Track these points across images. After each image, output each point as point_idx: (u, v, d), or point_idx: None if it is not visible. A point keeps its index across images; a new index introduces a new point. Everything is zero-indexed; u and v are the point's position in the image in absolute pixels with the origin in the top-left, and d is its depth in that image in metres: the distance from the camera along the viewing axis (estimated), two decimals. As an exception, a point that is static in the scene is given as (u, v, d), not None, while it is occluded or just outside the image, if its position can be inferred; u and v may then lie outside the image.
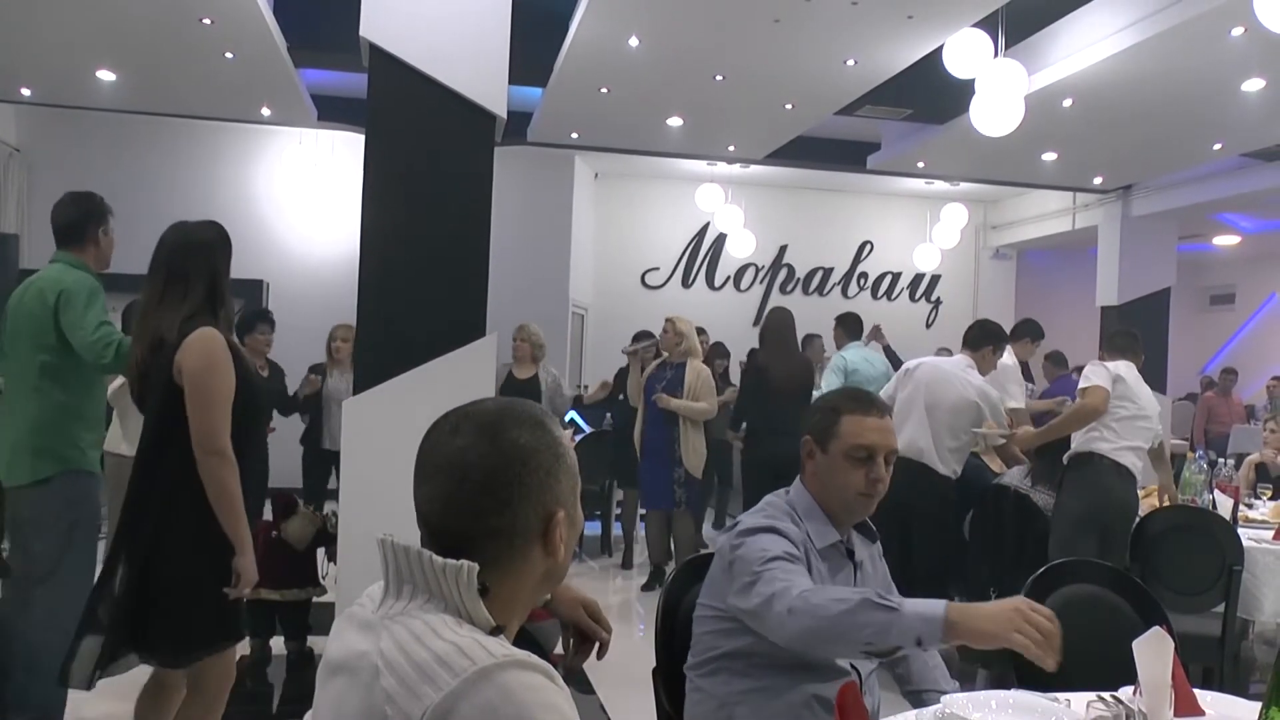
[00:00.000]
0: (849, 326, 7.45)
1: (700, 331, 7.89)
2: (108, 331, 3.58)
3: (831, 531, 2.27)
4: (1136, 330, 5.53)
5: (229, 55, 7.82)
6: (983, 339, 5.40)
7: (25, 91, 9.31)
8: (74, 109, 9.76)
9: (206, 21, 7.09)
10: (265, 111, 9.64)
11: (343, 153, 10.54)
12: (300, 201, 10.94)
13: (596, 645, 1.90)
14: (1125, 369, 4.86)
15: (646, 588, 7.04)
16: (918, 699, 2.33)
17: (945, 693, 2.21)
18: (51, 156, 10.33)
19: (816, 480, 2.31)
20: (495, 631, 1.24)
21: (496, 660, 1.16)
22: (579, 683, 4.72)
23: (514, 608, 1.34)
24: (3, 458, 3.66)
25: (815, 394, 6.49)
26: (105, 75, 8.55)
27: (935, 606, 1.84)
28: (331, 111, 9.87)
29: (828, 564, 2.25)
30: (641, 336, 7.29)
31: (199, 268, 3.18)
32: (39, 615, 3.52)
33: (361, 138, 4.95)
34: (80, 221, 3.82)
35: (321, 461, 7.11)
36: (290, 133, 10.69)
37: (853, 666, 2.24)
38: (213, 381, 2.97)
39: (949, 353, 6.81)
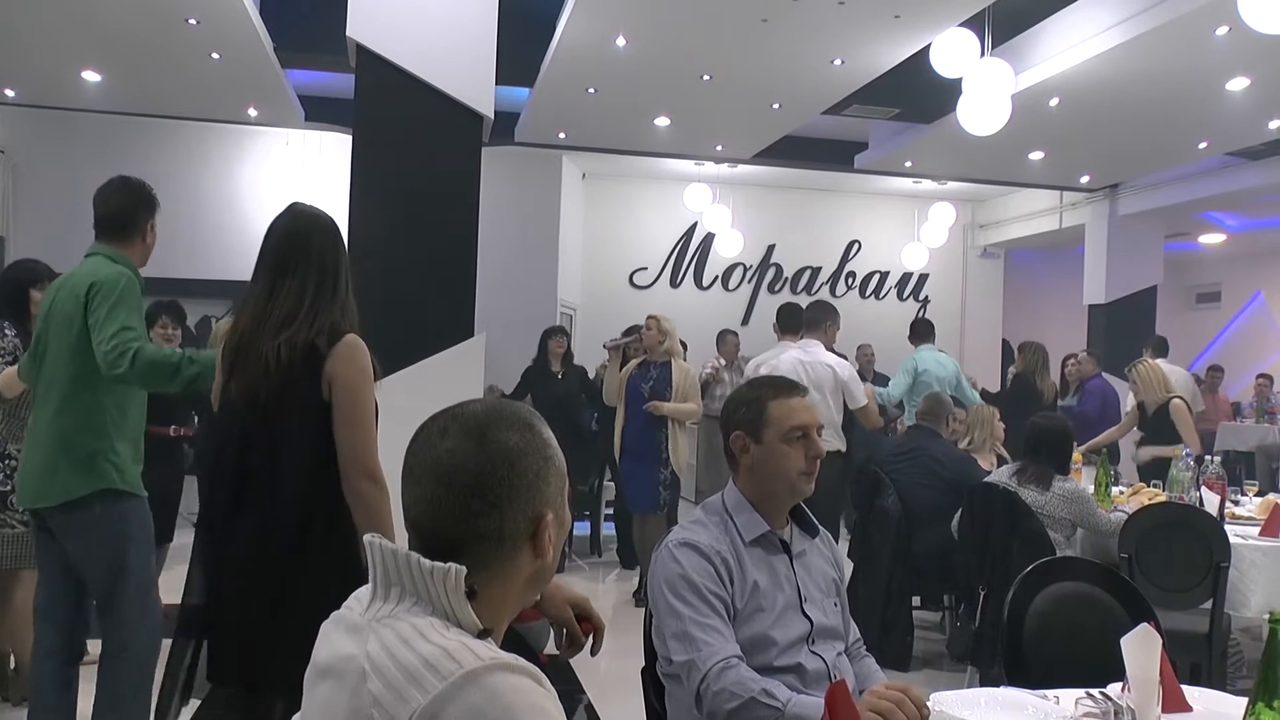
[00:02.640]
0: (921, 331, 7.80)
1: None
2: (128, 338, 3.15)
3: (761, 522, 2.32)
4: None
5: (215, 56, 7.80)
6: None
7: (9, 92, 9.27)
8: (59, 110, 9.72)
9: (192, 22, 7.07)
10: (252, 112, 9.62)
11: (330, 153, 10.51)
12: (287, 202, 10.90)
13: (590, 640, 1.93)
14: None
15: (640, 601, 6.65)
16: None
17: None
18: (36, 158, 10.28)
19: (752, 474, 2.35)
20: (483, 634, 1.24)
21: (483, 663, 1.15)
22: (567, 683, 4.72)
23: (502, 610, 1.33)
24: (33, 477, 3.30)
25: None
26: (90, 76, 8.51)
27: (814, 709, 1.97)
28: (319, 112, 9.85)
29: (761, 552, 2.31)
30: (632, 331, 7.29)
31: (344, 262, 2.79)
32: (110, 650, 3.31)
33: (349, 138, 4.95)
34: (130, 210, 3.40)
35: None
36: (277, 133, 10.66)
37: (822, 658, 2.27)
38: (369, 395, 2.62)
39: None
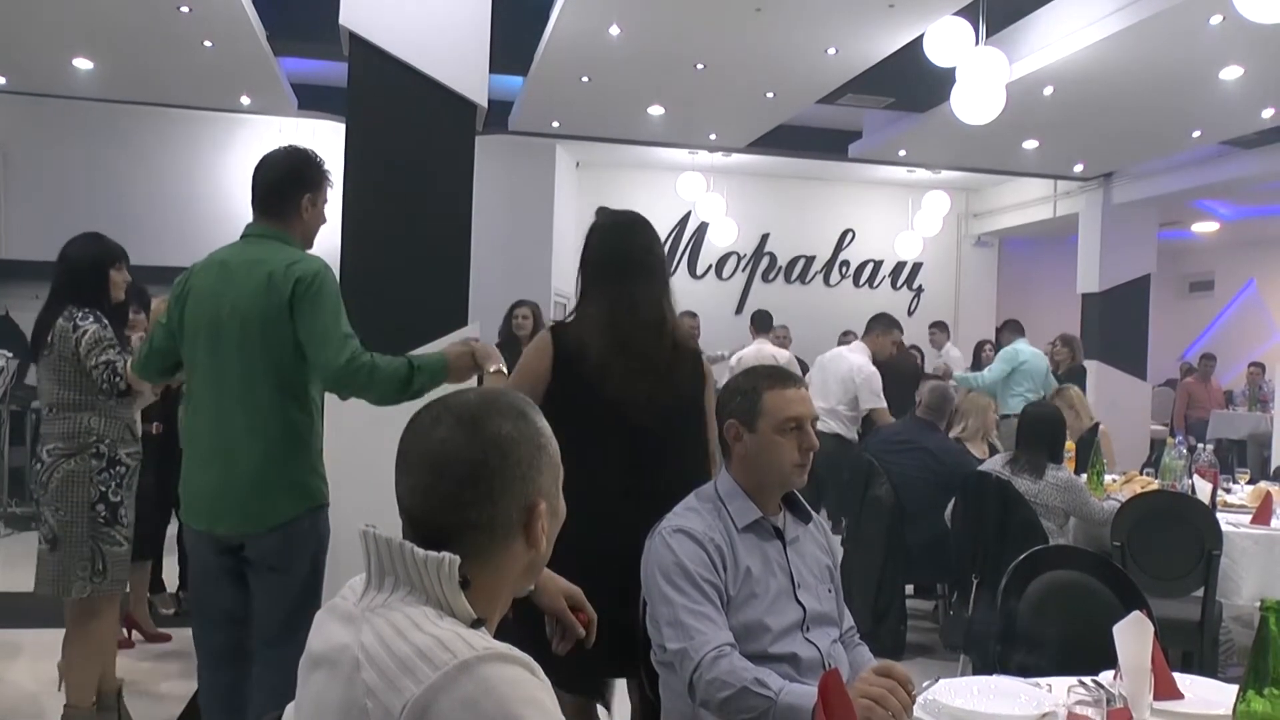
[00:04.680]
0: (1013, 327, 8.67)
1: (692, 315, 8.62)
2: (357, 349, 2.79)
3: (753, 509, 2.33)
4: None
5: (208, 44, 7.76)
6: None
7: (0, 80, 9.22)
8: (51, 97, 9.66)
9: (185, 9, 7.03)
10: (245, 100, 9.58)
11: (323, 141, 10.41)
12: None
13: (584, 632, 1.95)
14: None
15: None
16: None
17: None
18: (28, 146, 10.23)
19: (745, 463, 2.34)
20: (476, 624, 1.24)
21: (477, 653, 1.16)
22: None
23: (496, 600, 1.33)
24: (225, 500, 2.83)
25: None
26: (82, 64, 8.47)
27: (805, 700, 1.96)
28: (312, 100, 9.81)
29: (754, 538, 2.32)
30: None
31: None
32: (264, 685, 2.83)
33: (342, 127, 4.93)
34: (280, 183, 2.97)
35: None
36: (270, 121, 10.61)
37: (816, 646, 2.27)
38: None
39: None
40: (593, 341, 2.68)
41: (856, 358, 6.86)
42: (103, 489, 3.65)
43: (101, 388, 3.60)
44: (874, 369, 6.87)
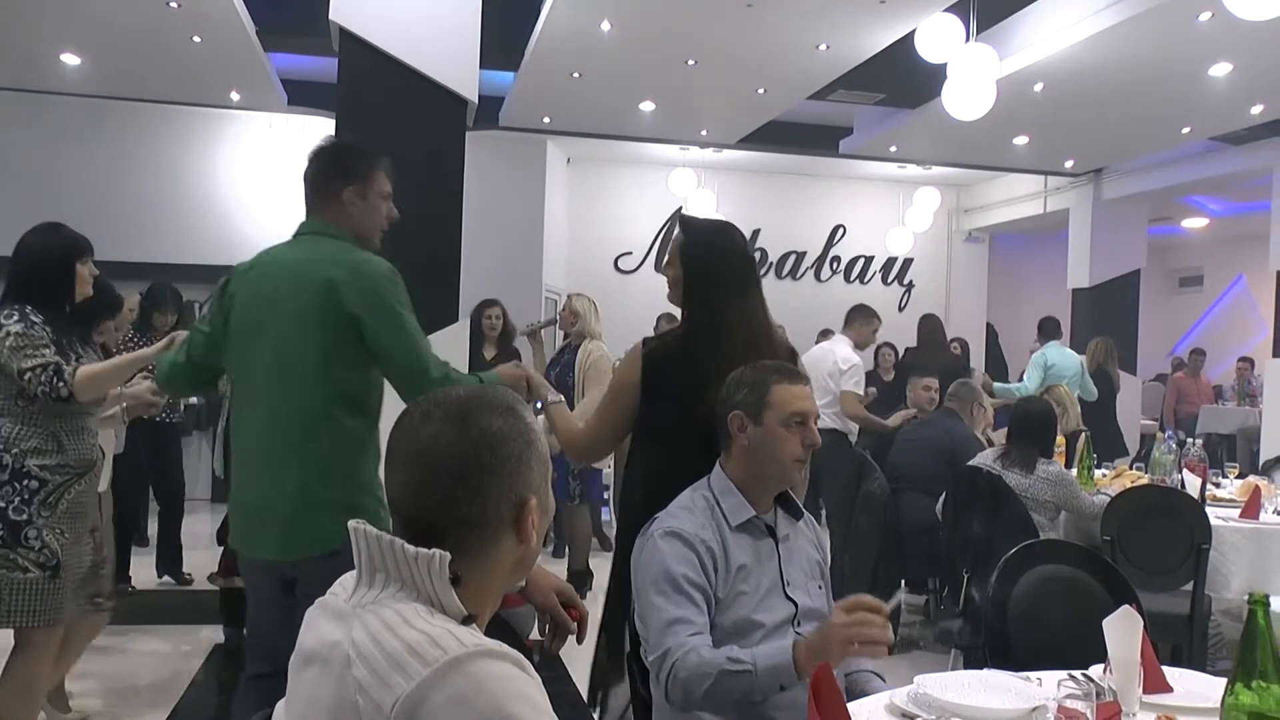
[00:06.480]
0: (1048, 329, 8.59)
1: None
2: (437, 358, 2.67)
3: (747, 508, 2.33)
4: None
5: (196, 39, 7.72)
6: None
7: (-13, 76, 9.18)
8: (37, 93, 9.60)
9: (173, 4, 7.00)
10: (234, 96, 9.54)
11: (314, 138, 10.40)
12: (270, 187, 10.83)
13: (575, 629, 1.95)
14: None
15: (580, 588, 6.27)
16: (850, 680, 2.37)
17: (867, 670, 2.37)
18: (14, 142, 10.15)
19: (746, 456, 2.35)
20: (467, 620, 1.24)
21: (468, 650, 1.15)
22: (553, 669, 4.72)
23: (486, 596, 1.33)
24: (272, 518, 2.62)
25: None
26: (70, 59, 8.42)
27: (783, 656, 2.01)
28: (302, 96, 9.77)
29: (747, 537, 2.32)
30: (547, 318, 7.12)
31: None
32: None
33: (332, 122, 4.92)
34: (323, 174, 2.80)
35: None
36: (260, 117, 10.57)
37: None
38: None
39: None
40: (685, 363, 2.67)
41: (841, 349, 6.94)
42: (1, 504, 3.13)
43: (36, 393, 3.13)
44: (858, 360, 6.95)
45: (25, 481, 3.16)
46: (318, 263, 2.66)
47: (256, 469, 2.69)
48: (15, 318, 3.19)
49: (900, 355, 9.54)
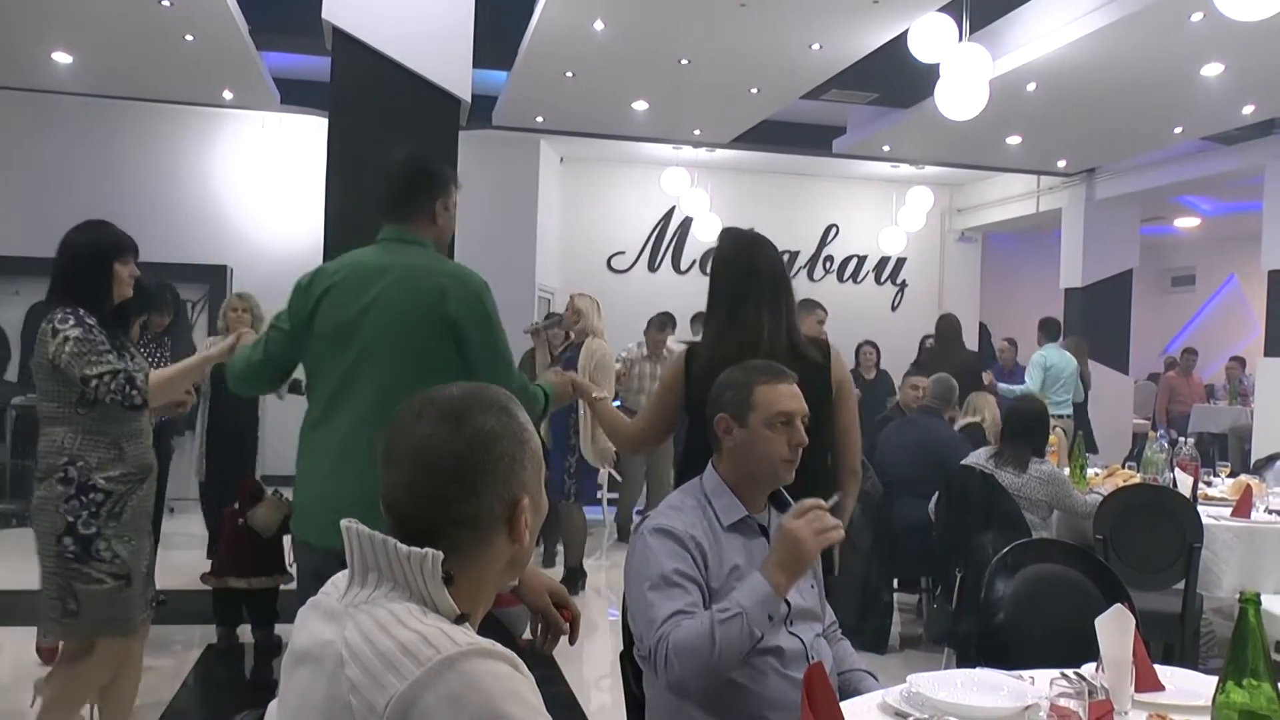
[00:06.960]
0: (1049, 329, 8.77)
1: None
2: (517, 372, 2.82)
3: (739, 507, 2.34)
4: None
5: (189, 38, 7.71)
6: None
7: (-21, 74, 9.15)
8: (29, 91, 9.57)
9: (165, 3, 6.98)
10: (227, 95, 9.52)
11: (306, 137, 10.42)
12: (263, 186, 10.82)
13: (568, 629, 1.95)
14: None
15: (575, 587, 6.12)
16: (843, 679, 2.38)
17: (860, 669, 2.40)
18: (6, 140, 10.13)
19: (734, 457, 2.35)
20: (460, 620, 1.24)
21: (461, 649, 1.15)
22: (546, 669, 4.73)
23: (479, 595, 1.33)
24: (348, 509, 2.70)
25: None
26: (62, 57, 8.40)
27: (761, 586, 2.08)
28: (295, 95, 9.76)
29: (740, 537, 2.32)
30: (551, 316, 7.11)
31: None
32: None
33: (325, 122, 4.91)
34: (407, 188, 2.89)
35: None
36: (253, 116, 10.56)
37: (800, 639, 2.27)
38: None
39: None
40: (718, 365, 2.71)
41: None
42: (70, 519, 3.11)
43: (105, 400, 3.07)
44: None
45: (91, 494, 3.13)
46: (424, 269, 2.79)
47: (335, 465, 2.72)
48: (71, 322, 3.11)
49: (920, 349, 9.85)
